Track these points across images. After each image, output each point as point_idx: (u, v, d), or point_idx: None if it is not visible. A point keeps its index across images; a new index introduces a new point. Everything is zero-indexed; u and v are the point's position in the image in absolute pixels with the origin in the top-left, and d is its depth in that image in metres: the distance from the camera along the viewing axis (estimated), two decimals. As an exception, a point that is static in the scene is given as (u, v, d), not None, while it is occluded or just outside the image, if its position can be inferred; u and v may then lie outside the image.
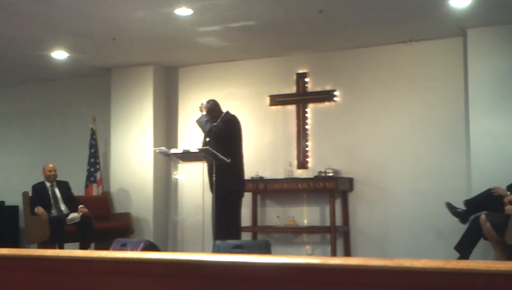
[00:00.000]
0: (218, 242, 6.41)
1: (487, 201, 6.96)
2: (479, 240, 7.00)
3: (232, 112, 7.32)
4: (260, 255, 1.82)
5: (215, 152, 6.72)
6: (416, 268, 1.63)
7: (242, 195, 7.23)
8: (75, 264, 2.26)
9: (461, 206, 7.33)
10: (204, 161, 6.98)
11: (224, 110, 7.31)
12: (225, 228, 7.04)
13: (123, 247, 6.69)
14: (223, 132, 7.08)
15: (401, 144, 8.39)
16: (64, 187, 8.68)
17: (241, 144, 7.12)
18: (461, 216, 7.18)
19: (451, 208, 7.28)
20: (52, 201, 8.43)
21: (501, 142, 7.57)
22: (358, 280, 1.79)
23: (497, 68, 7.70)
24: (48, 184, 8.55)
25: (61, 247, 8.08)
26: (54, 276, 2.27)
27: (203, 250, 6.95)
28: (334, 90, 8.77)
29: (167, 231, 9.55)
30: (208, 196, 7.13)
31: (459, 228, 7.17)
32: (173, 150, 7.17)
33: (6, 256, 2.44)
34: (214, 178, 6.87)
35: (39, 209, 8.16)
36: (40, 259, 2.36)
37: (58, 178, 8.69)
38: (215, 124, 7.13)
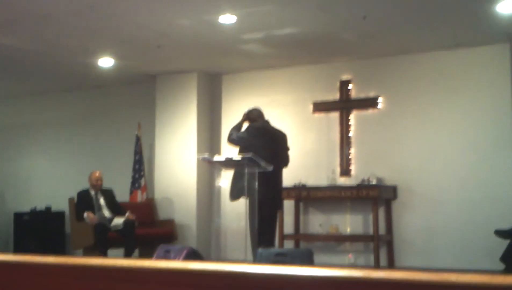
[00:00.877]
0: (260, 250, 6.41)
1: None
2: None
3: (272, 121, 7.31)
4: (302, 266, 1.81)
5: (257, 160, 6.71)
6: (462, 283, 1.60)
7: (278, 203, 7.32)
8: (118, 273, 2.28)
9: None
10: (247, 169, 6.97)
11: (268, 117, 7.31)
12: (266, 236, 7.05)
13: (166, 253, 6.75)
14: (238, 141, 7.13)
15: (446, 152, 8.27)
16: (109, 194, 8.78)
17: (270, 153, 7.00)
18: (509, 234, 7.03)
19: (501, 234, 7.12)
20: (96, 208, 8.54)
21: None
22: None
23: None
24: (93, 192, 8.67)
25: (104, 253, 8.18)
26: (98, 284, 2.29)
27: (245, 257, 6.93)
28: (378, 97, 8.70)
29: (210, 238, 9.59)
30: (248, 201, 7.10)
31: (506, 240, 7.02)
32: (216, 157, 7.20)
33: (52, 264, 2.47)
34: (256, 185, 6.87)
35: (89, 215, 8.26)
36: (85, 267, 2.39)
37: (104, 184, 8.79)
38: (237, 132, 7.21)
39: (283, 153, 7.18)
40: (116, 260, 2.43)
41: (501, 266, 6.95)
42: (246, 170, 6.82)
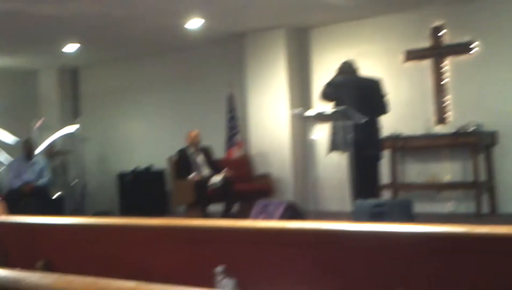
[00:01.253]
0: (358, 201, 6.41)
1: None
2: None
3: (364, 72, 7.21)
4: (397, 223, 1.81)
5: (348, 112, 6.65)
6: None
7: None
8: (216, 233, 2.34)
9: None
10: (339, 120, 6.93)
11: (359, 68, 7.23)
12: (366, 188, 7.02)
13: (265, 208, 6.87)
14: (324, 96, 7.20)
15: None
16: (206, 152, 8.99)
17: (358, 104, 6.87)
18: None
19: None
20: (195, 166, 8.75)
21: None
22: (506, 248, 1.72)
23: None
24: (191, 150, 8.88)
25: (205, 209, 8.40)
26: (200, 245, 2.36)
27: (342, 209, 6.97)
28: (472, 42, 8.38)
29: (307, 190, 9.63)
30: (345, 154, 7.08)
31: None
32: (308, 112, 7.19)
33: (156, 227, 2.57)
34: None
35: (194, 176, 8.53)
36: (186, 228, 2.47)
37: (201, 143, 8.99)
38: None
39: (375, 101, 7.03)
40: (215, 221, 2.50)
41: None
42: (339, 123, 6.81)
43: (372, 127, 6.97)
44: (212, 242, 2.29)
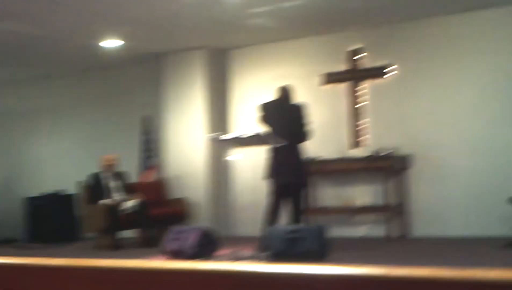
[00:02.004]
0: (273, 228, 6.36)
1: None
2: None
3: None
4: (315, 265, 1.73)
5: (269, 135, 6.62)
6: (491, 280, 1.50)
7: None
8: (128, 274, 2.20)
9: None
10: (257, 145, 6.88)
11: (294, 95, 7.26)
12: (300, 215, 6.99)
13: (178, 235, 6.70)
14: (258, 119, 7.10)
15: (460, 119, 8.15)
16: (121, 176, 8.75)
17: (282, 128, 6.88)
18: None
19: None
20: (108, 191, 8.51)
21: None
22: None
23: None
24: (104, 174, 8.63)
25: (117, 236, 8.16)
26: (107, 286, 2.21)
27: (257, 234, 6.90)
28: (388, 66, 8.53)
29: (222, 215, 9.53)
30: (259, 176, 7.01)
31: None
32: (226, 136, 7.10)
33: (65, 267, 2.39)
34: (294, 163, 6.82)
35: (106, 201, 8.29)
36: (94, 269, 2.30)
37: (116, 167, 8.77)
38: None
39: (298, 127, 7.01)
40: (124, 262, 2.35)
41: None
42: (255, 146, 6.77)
43: (296, 152, 6.93)
44: (121, 282, 2.14)
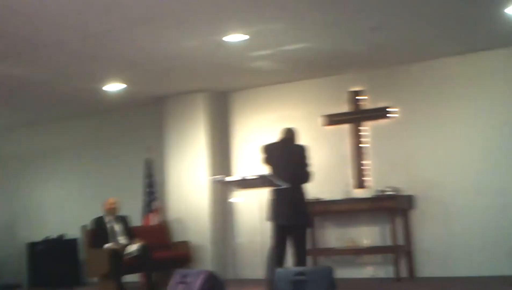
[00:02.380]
0: (279, 270, 6.28)
1: None
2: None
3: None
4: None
5: (272, 177, 6.61)
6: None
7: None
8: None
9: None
10: (261, 187, 6.85)
11: (297, 137, 7.25)
12: (305, 256, 6.96)
13: (183, 278, 6.62)
14: (261, 161, 7.07)
15: (462, 158, 8.17)
16: (124, 221, 8.70)
17: (284, 170, 6.85)
18: None
19: None
20: (111, 235, 8.45)
21: None
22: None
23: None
24: (107, 218, 8.59)
25: (120, 280, 8.07)
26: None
27: (263, 276, 6.82)
28: (389, 107, 8.59)
29: (226, 258, 9.47)
30: (264, 218, 6.96)
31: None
32: (229, 178, 7.08)
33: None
34: (296, 205, 6.79)
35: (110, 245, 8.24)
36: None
37: (119, 211, 8.72)
38: None
39: (300, 168, 6.99)
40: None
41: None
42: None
43: (297, 193, 6.90)
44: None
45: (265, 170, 6.98)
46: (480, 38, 7.65)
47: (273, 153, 7.04)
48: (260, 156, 7.10)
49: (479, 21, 7.00)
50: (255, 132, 9.41)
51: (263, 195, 6.92)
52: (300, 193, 6.94)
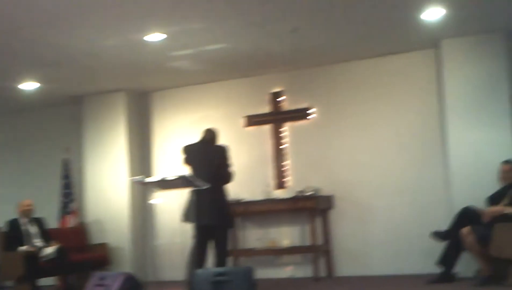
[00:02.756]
0: (199, 271, 6.27)
1: (466, 219, 6.85)
2: (461, 253, 6.94)
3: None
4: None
5: (192, 178, 6.58)
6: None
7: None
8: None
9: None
10: (181, 188, 6.80)
11: (218, 138, 7.22)
12: (226, 257, 6.97)
13: (101, 281, 6.50)
14: (183, 161, 7.06)
15: (379, 159, 8.35)
16: (39, 223, 8.47)
17: (203, 171, 6.85)
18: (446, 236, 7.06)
19: (438, 236, 7.11)
20: (26, 238, 8.21)
21: (480, 152, 7.51)
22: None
23: (473, 77, 7.67)
24: (22, 221, 8.34)
25: (36, 283, 7.86)
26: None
27: (183, 277, 6.78)
28: (310, 108, 8.70)
29: (145, 259, 9.36)
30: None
31: (443, 242, 7.09)
32: (149, 179, 6.99)
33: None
34: (216, 205, 6.76)
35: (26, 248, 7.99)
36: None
37: (34, 212, 8.47)
38: None
39: (220, 169, 6.98)
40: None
41: (439, 269, 7.02)
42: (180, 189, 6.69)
43: (218, 194, 6.89)
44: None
45: (186, 170, 6.93)
46: (396, 41, 7.86)
47: (193, 153, 7.01)
48: (181, 156, 7.06)
49: (395, 25, 7.18)
50: (176, 132, 9.34)
51: (184, 196, 6.87)
52: (220, 193, 6.94)
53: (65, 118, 10.09)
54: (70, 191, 9.45)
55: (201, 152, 6.99)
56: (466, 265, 7.16)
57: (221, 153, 7.00)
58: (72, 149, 9.61)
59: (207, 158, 6.95)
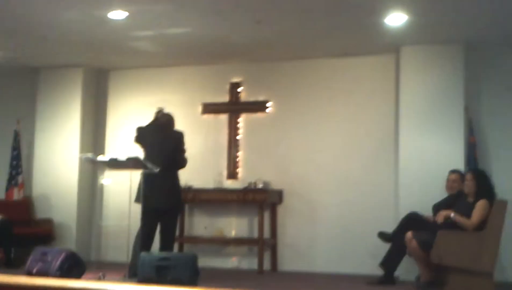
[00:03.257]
0: (144, 254, 6.24)
1: (410, 224, 6.96)
2: (403, 256, 7.05)
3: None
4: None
5: (143, 160, 6.54)
6: None
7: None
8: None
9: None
10: (132, 169, 6.74)
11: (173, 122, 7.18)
12: (172, 242, 6.95)
13: (43, 256, 6.43)
14: (134, 139, 7.06)
15: (332, 158, 8.41)
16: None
17: (157, 154, 6.81)
18: (390, 238, 7.16)
19: (384, 237, 7.21)
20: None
21: (429, 160, 7.64)
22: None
23: (428, 86, 7.80)
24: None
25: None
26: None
27: (128, 260, 6.73)
28: (267, 101, 8.73)
29: (90, 239, 9.28)
30: (133, 200, 6.87)
31: (387, 244, 7.19)
32: (100, 157, 6.91)
33: None
34: (167, 189, 6.73)
35: None
36: None
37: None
38: None
39: (175, 153, 6.95)
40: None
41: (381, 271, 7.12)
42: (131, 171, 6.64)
43: (170, 178, 6.86)
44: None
45: (138, 151, 6.89)
46: (359, 43, 7.93)
47: (146, 135, 6.96)
48: (134, 135, 7.01)
49: (358, 26, 7.23)
50: (131, 113, 9.26)
51: (134, 178, 6.82)
52: (173, 178, 6.93)
53: (20, 89, 9.90)
54: (19, 163, 9.30)
55: (156, 135, 6.95)
56: (408, 269, 7.29)
57: (178, 138, 6.98)
58: (25, 122, 9.44)
59: (162, 141, 6.91)
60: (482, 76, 7.94)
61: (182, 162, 7.01)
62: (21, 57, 8.89)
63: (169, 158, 6.84)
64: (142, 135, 6.98)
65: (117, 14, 6.88)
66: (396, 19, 6.86)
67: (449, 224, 6.54)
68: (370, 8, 6.59)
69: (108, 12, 6.81)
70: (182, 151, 7.01)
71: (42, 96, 9.42)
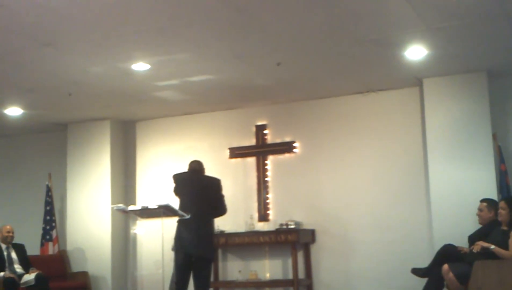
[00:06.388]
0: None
1: (446, 257, 6.87)
2: (442, 289, 6.94)
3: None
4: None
5: (174, 208, 6.57)
6: None
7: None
8: None
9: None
10: (163, 217, 6.77)
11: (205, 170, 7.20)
12: (207, 288, 6.89)
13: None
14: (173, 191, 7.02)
15: (362, 194, 8.37)
16: (20, 249, 8.42)
17: (193, 201, 6.79)
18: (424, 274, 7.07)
19: (418, 273, 7.12)
20: (7, 263, 8.15)
21: (460, 189, 7.56)
22: None
23: (454, 116, 7.76)
24: (3, 246, 8.29)
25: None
26: None
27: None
28: (294, 142, 8.75)
29: (126, 289, 9.29)
30: (167, 250, 6.87)
31: (424, 279, 7.09)
32: (131, 207, 6.97)
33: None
34: (202, 236, 6.70)
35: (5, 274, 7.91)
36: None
37: (15, 238, 8.41)
38: None
39: (211, 200, 6.94)
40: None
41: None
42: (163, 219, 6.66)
43: (206, 225, 6.84)
44: None
45: (169, 200, 6.92)
46: (380, 78, 7.95)
47: (183, 182, 6.97)
48: (172, 185, 7.00)
49: (379, 62, 7.26)
50: (160, 162, 9.35)
51: (166, 226, 6.84)
52: (209, 224, 6.89)
53: (50, 145, 10.08)
54: (52, 218, 9.41)
55: (193, 182, 6.95)
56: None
57: (217, 185, 6.98)
58: (57, 176, 9.58)
59: (201, 188, 6.91)
60: (507, 102, 7.90)
61: (223, 209, 6.99)
62: (50, 114, 9.06)
63: (209, 205, 6.84)
64: (179, 183, 6.97)
65: (140, 66, 7.00)
66: (416, 52, 6.88)
67: (485, 254, 6.44)
68: (388, 43, 6.61)
69: (132, 64, 6.93)
70: (222, 197, 7.00)
71: (71, 150, 9.58)
